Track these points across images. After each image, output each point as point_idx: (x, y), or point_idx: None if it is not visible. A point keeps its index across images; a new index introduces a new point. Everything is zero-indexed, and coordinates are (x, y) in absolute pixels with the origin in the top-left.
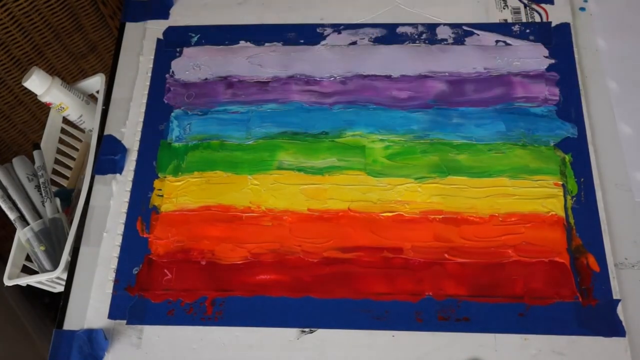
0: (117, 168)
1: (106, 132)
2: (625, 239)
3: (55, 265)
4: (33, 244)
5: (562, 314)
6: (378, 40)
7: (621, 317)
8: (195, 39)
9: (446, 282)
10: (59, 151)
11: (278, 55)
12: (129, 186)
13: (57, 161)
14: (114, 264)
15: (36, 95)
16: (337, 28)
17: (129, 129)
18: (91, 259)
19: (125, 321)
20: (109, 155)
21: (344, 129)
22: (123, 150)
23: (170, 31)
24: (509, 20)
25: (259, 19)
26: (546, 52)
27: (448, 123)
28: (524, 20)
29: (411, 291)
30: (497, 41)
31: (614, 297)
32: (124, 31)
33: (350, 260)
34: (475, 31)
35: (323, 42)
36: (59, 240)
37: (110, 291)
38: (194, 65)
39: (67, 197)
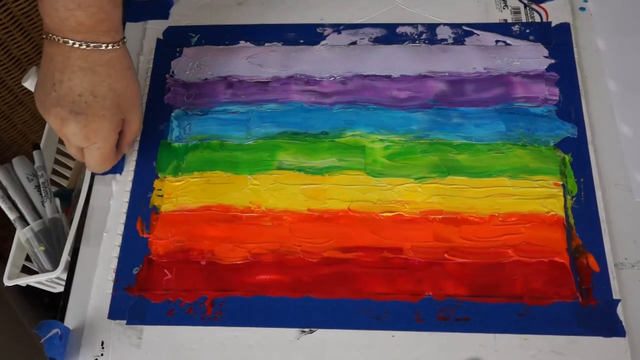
0: (117, 168)
1: None
2: (625, 239)
3: (55, 265)
4: (33, 244)
5: (562, 314)
6: (378, 40)
7: (621, 317)
8: (195, 39)
9: (446, 282)
10: (59, 151)
11: (278, 55)
12: (129, 186)
13: (57, 161)
14: (114, 264)
15: None
16: (337, 28)
17: None
18: (91, 259)
19: (125, 321)
20: None
21: (344, 129)
22: None
23: (170, 31)
24: (509, 20)
25: (259, 19)
26: (546, 52)
27: (448, 123)
28: (523, 20)
29: (411, 291)
30: (497, 41)
31: (614, 297)
32: (124, 31)
33: (350, 260)
34: (475, 31)
35: (323, 42)
36: (58, 240)
37: (110, 291)
38: (194, 65)
39: (67, 197)
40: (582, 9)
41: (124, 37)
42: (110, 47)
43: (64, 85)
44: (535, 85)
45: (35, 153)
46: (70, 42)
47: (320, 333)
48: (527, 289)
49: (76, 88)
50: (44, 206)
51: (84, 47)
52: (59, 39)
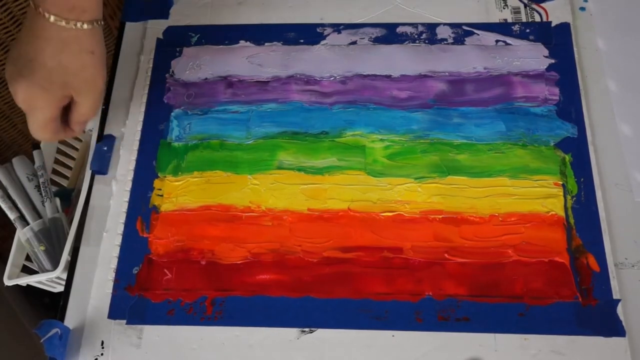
0: (101, 169)
1: (106, 132)
2: (625, 239)
3: (55, 265)
4: (33, 244)
5: (562, 314)
6: (378, 40)
7: (621, 317)
8: (195, 38)
9: (446, 282)
10: (59, 151)
11: (278, 55)
12: (128, 186)
13: (57, 161)
14: (114, 263)
15: None
16: (337, 28)
17: (128, 129)
18: (91, 259)
19: (125, 321)
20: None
21: (344, 128)
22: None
23: (170, 31)
24: (509, 20)
25: (259, 18)
26: (546, 52)
27: (448, 123)
28: (524, 20)
29: (411, 291)
30: (497, 41)
31: (614, 297)
32: (123, 31)
33: (350, 260)
34: (475, 31)
35: (323, 42)
36: (59, 240)
37: (110, 291)
38: (194, 64)
39: (67, 197)
40: (582, 8)
41: (97, 21)
42: (72, 25)
43: (23, 46)
44: (536, 85)
45: (35, 153)
46: (36, 7)
47: (320, 333)
48: (527, 289)
49: (30, 53)
50: (44, 206)
51: (46, 16)
52: (30, 1)
